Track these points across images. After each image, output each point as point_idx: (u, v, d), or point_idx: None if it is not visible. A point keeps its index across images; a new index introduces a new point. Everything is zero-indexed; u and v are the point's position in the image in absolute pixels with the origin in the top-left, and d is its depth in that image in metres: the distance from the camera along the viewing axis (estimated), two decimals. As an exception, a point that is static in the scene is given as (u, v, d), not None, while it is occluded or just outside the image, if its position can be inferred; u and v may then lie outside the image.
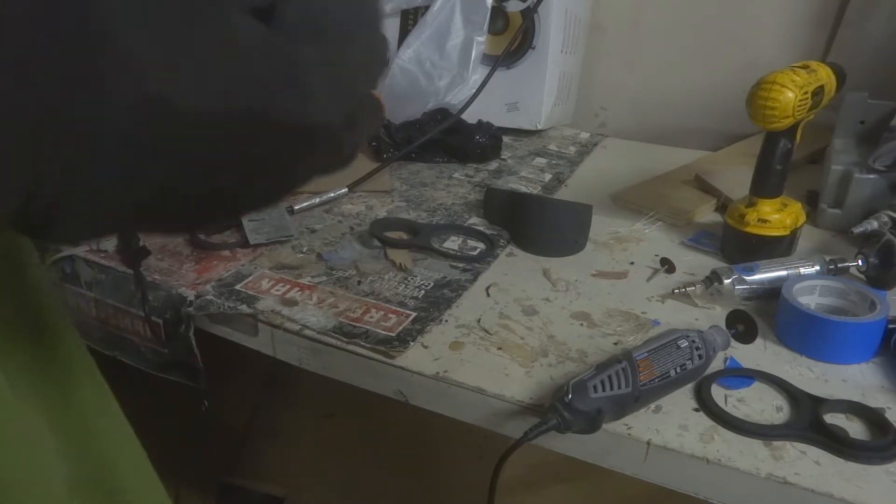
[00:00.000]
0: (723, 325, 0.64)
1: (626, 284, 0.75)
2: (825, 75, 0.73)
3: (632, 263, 0.79)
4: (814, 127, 0.79)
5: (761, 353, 0.63)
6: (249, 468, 1.22)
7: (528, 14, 1.12)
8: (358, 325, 0.65)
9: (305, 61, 0.28)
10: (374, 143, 1.06)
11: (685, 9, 1.24)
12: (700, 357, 0.57)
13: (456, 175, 1.05)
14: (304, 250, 0.80)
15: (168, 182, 0.26)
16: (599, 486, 1.00)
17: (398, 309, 0.68)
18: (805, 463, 0.50)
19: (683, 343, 0.57)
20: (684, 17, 1.25)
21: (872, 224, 0.76)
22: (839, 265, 0.71)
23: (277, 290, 0.71)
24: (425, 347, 0.63)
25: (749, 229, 0.75)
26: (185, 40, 0.24)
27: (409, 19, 1.18)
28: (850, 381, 0.59)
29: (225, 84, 0.25)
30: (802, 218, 0.78)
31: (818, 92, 0.72)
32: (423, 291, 0.71)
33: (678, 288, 0.71)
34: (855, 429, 0.54)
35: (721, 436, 0.53)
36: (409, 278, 0.74)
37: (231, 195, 0.29)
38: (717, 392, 0.57)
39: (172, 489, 1.16)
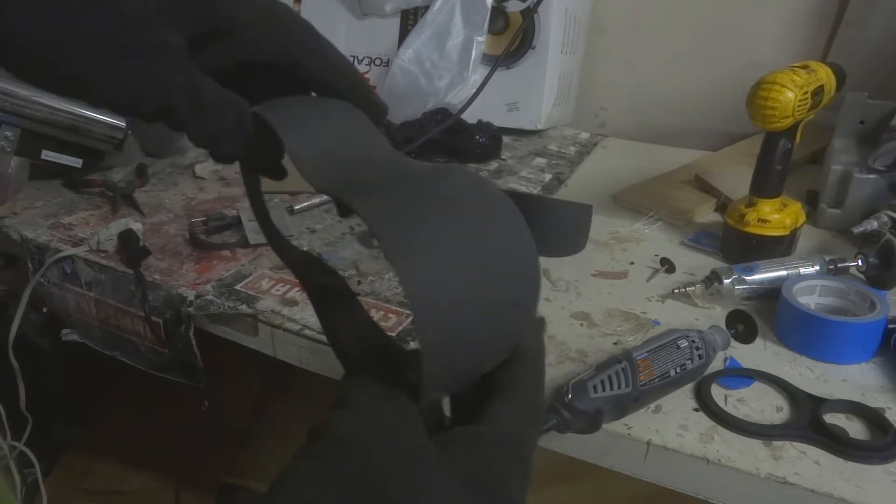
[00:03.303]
0: (723, 325, 0.64)
1: (626, 284, 0.75)
2: (825, 75, 0.73)
3: (632, 263, 0.79)
4: (814, 127, 0.79)
5: (761, 353, 0.63)
6: (249, 468, 1.22)
7: (528, 14, 1.12)
8: (358, 325, 0.65)
9: None
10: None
11: (685, 9, 1.24)
12: (700, 357, 0.57)
13: (456, 175, 1.05)
14: (305, 250, 0.80)
15: None
16: (599, 486, 1.00)
17: (398, 309, 0.68)
18: (805, 463, 0.50)
19: (683, 343, 0.57)
20: (684, 18, 1.25)
21: (872, 224, 0.76)
22: (839, 265, 0.71)
23: (277, 290, 0.71)
24: (425, 347, 0.62)
25: (749, 229, 0.75)
26: None
27: (409, 19, 1.18)
28: (850, 381, 0.59)
29: None
30: (802, 218, 0.78)
31: (818, 92, 0.72)
32: (423, 291, 0.71)
33: (678, 288, 0.71)
34: (855, 429, 0.54)
35: (721, 436, 0.53)
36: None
37: None
38: (717, 392, 0.57)
39: (173, 489, 1.16)
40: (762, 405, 0.56)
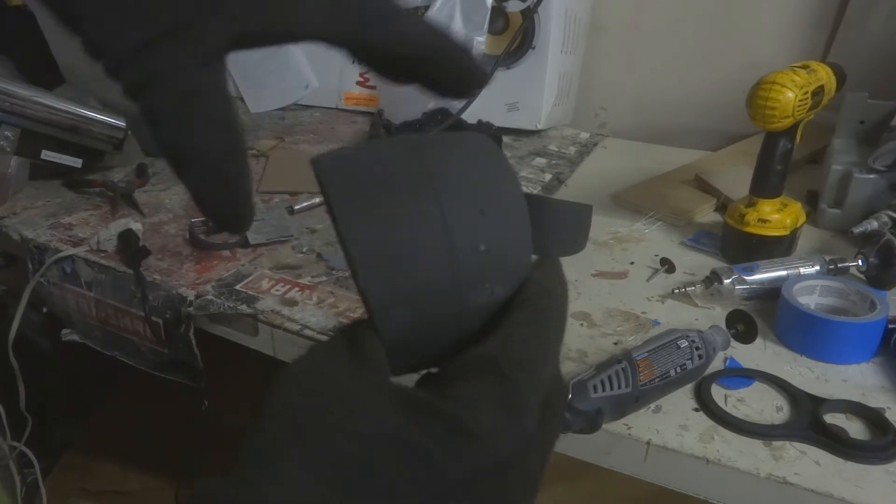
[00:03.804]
0: (723, 325, 0.64)
1: (626, 284, 0.75)
2: (825, 75, 0.73)
3: (632, 263, 0.79)
4: (814, 127, 0.79)
5: (761, 353, 0.63)
6: (249, 468, 1.22)
7: (528, 14, 1.12)
8: (358, 325, 0.65)
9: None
10: (374, 143, 1.07)
11: (685, 9, 1.24)
12: (700, 357, 0.57)
13: (456, 175, 1.05)
14: (304, 250, 0.80)
15: None
16: (599, 486, 1.00)
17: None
18: (805, 463, 0.50)
19: (683, 343, 0.57)
20: (684, 17, 1.25)
21: (872, 224, 0.76)
22: (839, 265, 0.71)
23: (277, 290, 0.71)
24: (425, 347, 0.62)
25: (749, 229, 0.75)
26: None
27: (409, 19, 1.18)
28: (850, 381, 0.59)
29: None
30: (802, 218, 0.78)
31: (818, 92, 0.72)
32: (423, 291, 0.71)
33: (678, 288, 0.71)
34: (855, 429, 0.54)
35: (721, 436, 0.53)
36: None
37: None
38: (717, 392, 0.57)
39: (173, 489, 1.16)
40: (762, 405, 0.56)
